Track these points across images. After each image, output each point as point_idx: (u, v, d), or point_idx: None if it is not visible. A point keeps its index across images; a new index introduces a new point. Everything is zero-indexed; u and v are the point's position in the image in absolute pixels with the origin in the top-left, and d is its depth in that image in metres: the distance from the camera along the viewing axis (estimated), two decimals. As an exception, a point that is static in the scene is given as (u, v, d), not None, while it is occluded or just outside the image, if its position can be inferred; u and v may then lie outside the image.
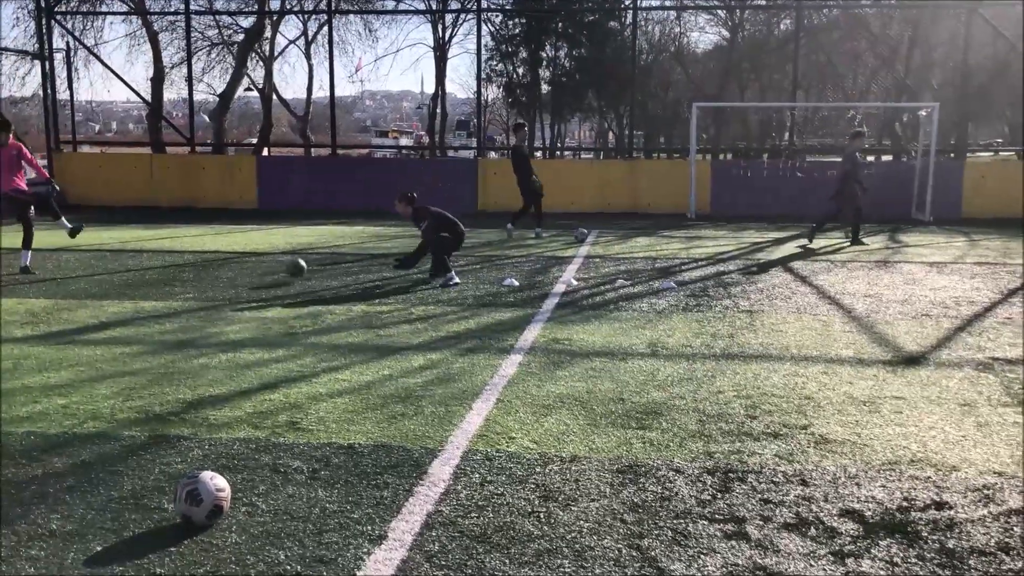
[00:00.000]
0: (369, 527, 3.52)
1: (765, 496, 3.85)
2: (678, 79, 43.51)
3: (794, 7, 22.78)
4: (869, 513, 3.67)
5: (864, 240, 13.25)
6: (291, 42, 32.11)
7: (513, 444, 4.49)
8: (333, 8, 22.63)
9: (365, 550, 3.32)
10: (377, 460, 4.25)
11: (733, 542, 3.41)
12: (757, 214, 17.68)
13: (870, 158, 30.41)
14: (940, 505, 3.76)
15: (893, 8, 30.67)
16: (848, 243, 13.15)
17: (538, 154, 41.93)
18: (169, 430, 4.65)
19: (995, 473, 4.12)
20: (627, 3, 30.61)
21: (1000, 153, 38.04)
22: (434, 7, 38.11)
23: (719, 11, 40.27)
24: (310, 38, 31.11)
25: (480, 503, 3.76)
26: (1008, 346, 6.67)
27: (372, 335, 6.99)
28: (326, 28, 23.23)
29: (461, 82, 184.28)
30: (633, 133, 29.61)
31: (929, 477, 4.07)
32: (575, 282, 9.55)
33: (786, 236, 14.27)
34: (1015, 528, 3.54)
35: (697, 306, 8.23)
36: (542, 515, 3.65)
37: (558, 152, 42.89)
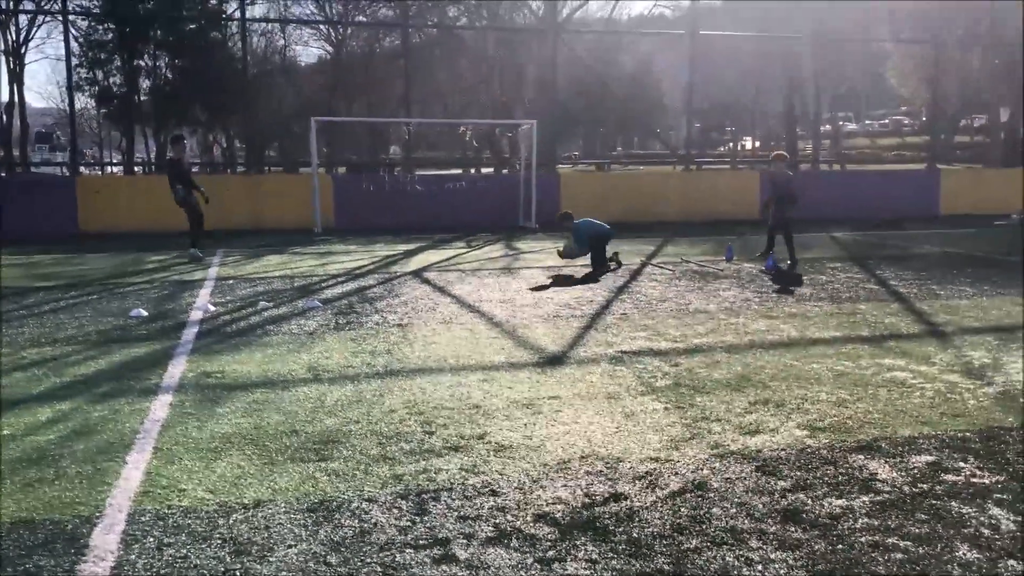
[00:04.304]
0: (28, 626, 2.94)
1: (462, 512, 3.88)
2: (285, 92, 42.99)
3: (400, 25, 23.58)
4: (559, 515, 3.86)
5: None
6: None
7: (186, 497, 4.04)
8: None
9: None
10: (20, 541, 3.58)
11: (444, 566, 3.38)
12: (381, 227, 18.00)
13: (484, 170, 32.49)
14: (617, 497, 4.06)
15: (488, 30, 33.16)
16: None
17: (137, 169, 38.93)
18: None
19: (652, 459, 4.56)
20: (231, 12, 29.51)
21: (578, 165, 43.12)
22: (3, 6, 33.72)
23: (321, 26, 40.60)
24: None
25: (163, 571, 3.32)
26: (629, 339, 7.46)
27: (-23, 388, 5.92)
28: None
29: (39, 90, 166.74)
30: (247, 147, 28.62)
31: (601, 471, 4.39)
32: (212, 307, 8.93)
33: (415, 248, 14.69)
34: (682, 509, 3.94)
35: (348, 324, 8.13)
36: (239, 573, 3.32)
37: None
